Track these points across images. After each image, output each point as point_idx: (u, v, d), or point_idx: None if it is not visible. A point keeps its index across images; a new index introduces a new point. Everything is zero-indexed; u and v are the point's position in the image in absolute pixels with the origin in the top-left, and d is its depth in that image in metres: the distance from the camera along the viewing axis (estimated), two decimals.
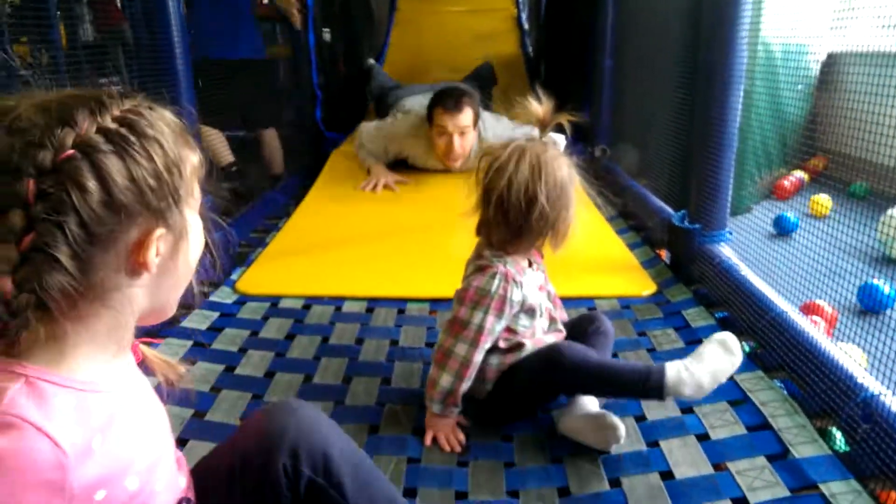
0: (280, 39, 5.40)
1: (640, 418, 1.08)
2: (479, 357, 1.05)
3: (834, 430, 0.98)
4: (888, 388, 0.96)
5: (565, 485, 0.95)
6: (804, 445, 0.94)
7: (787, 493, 0.87)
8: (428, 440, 1.05)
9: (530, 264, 1.11)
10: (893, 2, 1.81)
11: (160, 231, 0.56)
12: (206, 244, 0.64)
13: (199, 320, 1.43)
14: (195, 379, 1.20)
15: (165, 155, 0.56)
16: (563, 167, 1.03)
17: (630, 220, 2.14)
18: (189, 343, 1.33)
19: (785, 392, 1.09)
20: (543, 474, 0.98)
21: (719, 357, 0.96)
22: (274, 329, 1.43)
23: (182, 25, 1.52)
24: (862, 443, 0.89)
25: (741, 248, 1.69)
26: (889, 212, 2.15)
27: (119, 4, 2.17)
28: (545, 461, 1.01)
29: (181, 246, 0.59)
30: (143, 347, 0.65)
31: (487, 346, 1.06)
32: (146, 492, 0.57)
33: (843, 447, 0.94)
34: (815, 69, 3.19)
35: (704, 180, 1.60)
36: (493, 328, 1.05)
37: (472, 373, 1.05)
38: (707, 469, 0.94)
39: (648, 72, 2.37)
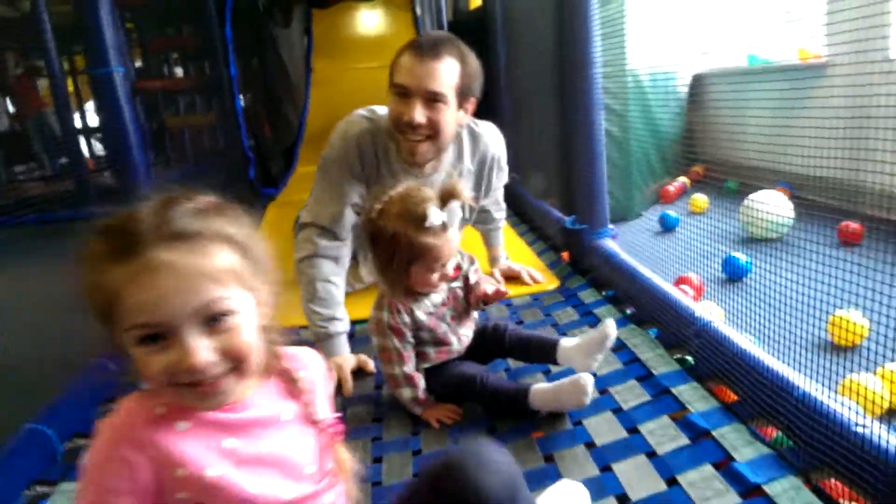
0: (199, 108, 5.63)
1: (589, 444, 1.14)
2: (411, 366, 1.27)
3: (688, 357, 1.32)
4: (716, 320, 1.31)
5: None
6: (745, 448, 1.01)
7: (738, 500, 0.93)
8: (433, 423, 1.25)
9: (430, 293, 1.28)
10: (747, 24, 2.25)
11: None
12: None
13: None
14: None
15: None
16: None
17: (537, 231, 2.49)
18: None
19: (653, 335, 1.44)
20: None
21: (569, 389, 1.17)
22: None
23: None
24: (696, 354, 1.23)
25: (633, 245, 2.05)
26: (746, 200, 2.58)
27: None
28: None
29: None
30: None
31: (410, 355, 1.27)
32: None
33: (690, 361, 1.28)
34: (684, 90, 3.71)
35: (585, 189, 1.96)
36: (404, 346, 1.26)
37: (418, 378, 1.27)
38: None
39: (535, 105, 2.76)
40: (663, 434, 1.11)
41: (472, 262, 1.36)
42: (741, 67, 3.57)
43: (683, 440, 1.08)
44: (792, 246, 2.36)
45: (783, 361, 1.12)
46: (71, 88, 7.18)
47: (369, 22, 5.72)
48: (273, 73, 4.08)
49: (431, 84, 1.43)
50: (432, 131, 1.49)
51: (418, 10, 5.74)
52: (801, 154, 2.08)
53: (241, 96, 3.11)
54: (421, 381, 1.28)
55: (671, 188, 3.48)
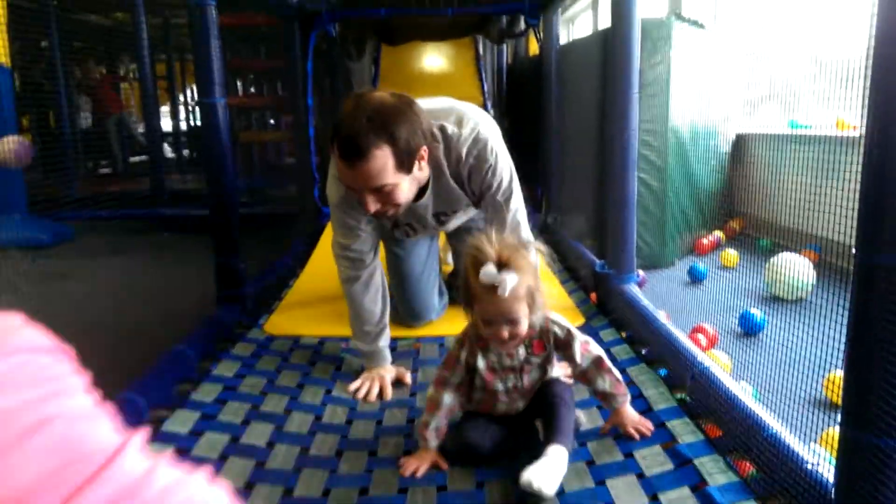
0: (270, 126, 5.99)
1: (590, 462, 1.30)
2: (447, 398, 1.31)
3: (686, 395, 1.50)
4: (713, 366, 1.49)
5: None
6: (718, 475, 1.18)
7: None
8: (406, 469, 1.28)
9: (503, 353, 1.32)
10: (789, 92, 2.43)
11: None
12: None
13: (242, 349, 1.91)
14: (248, 386, 1.67)
15: None
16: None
17: (571, 271, 2.69)
18: (243, 358, 1.81)
19: (662, 374, 1.62)
20: None
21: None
22: (298, 356, 1.92)
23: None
24: (691, 393, 1.42)
25: (659, 292, 2.24)
26: (771, 260, 2.73)
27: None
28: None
29: None
30: None
31: (447, 392, 1.32)
32: None
33: (687, 399, 1.46)
34: (726, 147, 3.87)
35: (615, 237, 2.16)
36: (451, 376, 1.32)
37: (437, 411, 1.31)
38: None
39: (578, 150, 2.96)
40: (653, 460, 1.29)
41: (566, 344, 1.34)
42: (782, 132, 3.71)
43: (669, 465, 1.26)
44: (810, 307, 2.51)
45: (778, 413, 1.28)
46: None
47: (433, 58, 6.06)
48: (341, 98, 4.38)
49: (369, 184, 1.41)
50: (393, 206, 1.50)
51: (481, 50, 6.05)
52: (830, 220, 2.24)
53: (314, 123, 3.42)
54: (440, 420, 1.32)
55: (705, 241, 3.63)
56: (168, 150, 8.37)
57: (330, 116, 4.23)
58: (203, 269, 2.33)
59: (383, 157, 1.38)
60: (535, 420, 1.36)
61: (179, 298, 2.62)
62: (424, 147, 1.49)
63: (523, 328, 1.25)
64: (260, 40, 4.96)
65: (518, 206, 1.73)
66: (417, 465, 1.30)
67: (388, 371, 1.72)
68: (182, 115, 9.46)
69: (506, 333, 1.24)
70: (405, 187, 1.48)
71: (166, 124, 8.47)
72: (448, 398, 1.33)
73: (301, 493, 1.26)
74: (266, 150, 6.71)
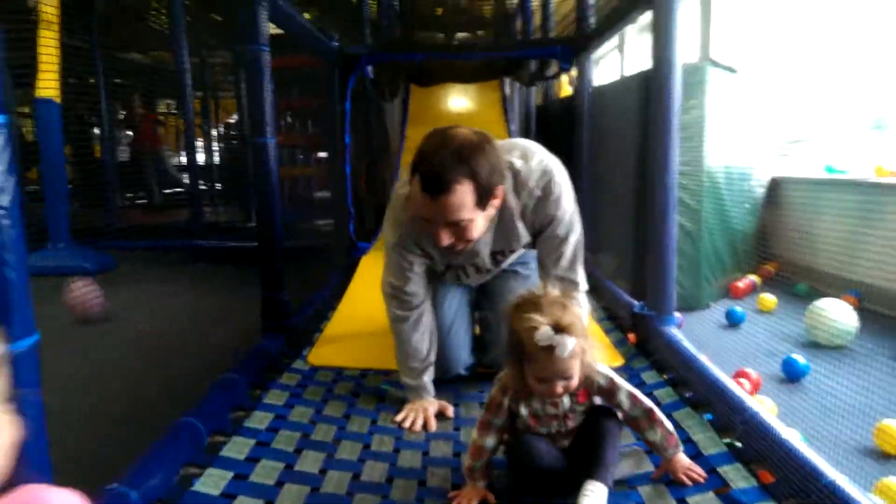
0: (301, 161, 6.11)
1: None
2: (489, 442, 1.33)
3: (737, 442, 1.50)
4: (763, 411, 1.48)
5: None
6: None
7: None
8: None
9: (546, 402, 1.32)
10: (827, 138, 2.44)
11: None
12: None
13: (289, 379, 1.94)
14: (298, 414, 1.70)
15: None
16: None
17: (607, 310, 2.69)
18: (290, 388, 1.84)
19: (707, 419, 1.61)
20: None
21: None
22: (342, 388, 1.94)
23: None
24: (742, 438, 1.42)
25: (697, 335, 2.23)
26: (812, 305, 2.71)
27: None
28: None
29: None
30: None
31: (490, 436, 1.33)
32: None
33: (737, 444, 1.45)
34: (761, 191, 3.88)
35: (655, 279, 2.17)
36: (489, 421, 1.34)
37: (481, 457, 1.33)
38: None
39: (612, 192, 2.98)
40: None
41: (609, 392, 1.35)
42: (818, 176, 3.71)
43: None
44: (852, 354, 2.48)
45: (828, 461, 1.27)
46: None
47: (460, 99, 6.18)
48: (378, 139, 4.49)
49: (447, 217, 1.44)
50: (464, 241, 1.52)
51: (507, 90, 6.16)
52: (871, 266, 2.22)
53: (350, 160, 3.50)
54: (485, 458, 1.35)
55: (740, 284, 3.61)
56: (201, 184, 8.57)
57: (364, 154, 4.34)
58: (241, 298, 2.38)
59: (464, 193, 1.41)
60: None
61: (221, 327, 2.67)
62: (501, 186, 1.52)
63: (576, 382, 1.27)
64: (295, 81, 5.11)
65: (577, 243, 1.72)
66: (468, 499, 1.32)
67: (432, 403, 1.76)
68: (215, 149, 9.69)
69: (560, 390, 1.25)
70: (479, 224, 1.50)
71: (199, 158, 8.69)
72: (491, 442, 1.35)
73: None
74: (297, 184, 6.85)
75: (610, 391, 1.34)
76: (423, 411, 1.72)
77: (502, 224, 1.67)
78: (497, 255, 1.80)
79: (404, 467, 1.50)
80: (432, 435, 1.67)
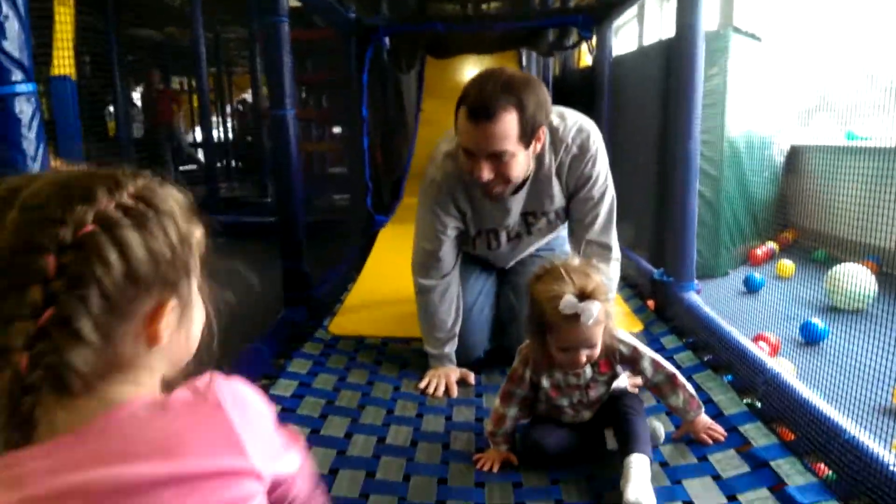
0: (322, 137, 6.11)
1: (664, 464, 1.33)
2: (504, 410, 1.36)
3: (755, 400, 1.51)
4: (783, 371, 1.50)
5: None
6: (796, 476, 1.19)
7: None
8: (481, 465, 1.34)
9: (568, 373, 1.32)
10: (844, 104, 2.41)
11: (172, 302, 0.57)
12: (207, 316, 0.64)
13: (312, 348, 1.98)
14: (322, 382, 1.74)
15: (177, 229, 0.57)
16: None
17: (626, 279, 2.70)
18: (313, 357, 1.88)
19: (727, 380, 1.63)
20: None
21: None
22: (364, 356, 1.98)
23: None
24: (763, 398, 1.43)
25: (716, 301, 2.24)
26: (831, 270, 2.70)
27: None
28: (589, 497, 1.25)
29: (187, 318, 0.60)
30: None
31: (511, 406, 1.36)
32: None
33: (757, 404, 1.47)
34: (781, 159, 3.84)
35: (675, 247, 2.17)
36: (511, 391, 1.36)
37: (503, 425, 1.35)
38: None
39: (632, 162, 2.97)
40: (728, 463, 1.30)
41: (632, 360, 1.34)
42: (839, 143, 3.67)
43: (745, 468, 1.27)
44: (871, 317, 2.48)
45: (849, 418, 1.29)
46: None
47: (476, 70, 6.11)
48: (394, 112, 4.48)
49: (492, 147, 1.44)
50: (503, 180, 1.52)
51: (524, 62, 6.10)
52: (890, 231, 2.21)
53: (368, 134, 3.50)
54: (507, 429, 1.37)
55: (759, 252, 3.59)
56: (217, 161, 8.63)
57: (381, 127, 4.33)
58: (262, 273, 2.41)
59: (510, 122, 1.42)
60: (605, 428, 1.37)
61: (243, 300, 2.72)
62: (544, 128, 1.52)
63: (598, 351, 1.27)
64: (312, 54, 5.09)
65: (611, 206, 1.72)
66: (492, 461, 1.35)
67: (454, 371, 1.79)
68: (229, 125, 9.73)
69: (584, 358, 1.25)
70: (520, 161, 1.50)
71: (215, 134, 8.74)
72: (513, 411, 1.37)
73: (382, 477, 1.33)
74: (312, 159, 6.88)
75: (633, 359, 1.34)
76: (446, 377, 1.75)
77: (537, 182, 1.66)
78: (528, 216, 1.75)
79: (428, 431, 1.53)
80: (454, 401, 1.70)
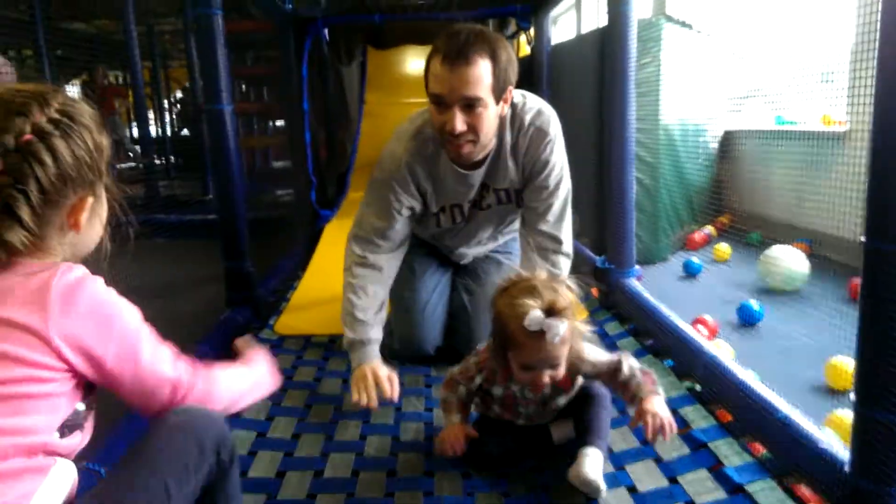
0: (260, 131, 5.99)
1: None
2: (453, 398, 1.34)
3: (694, 384, 1.56)
4: (720, 354, 1.55)
5: None
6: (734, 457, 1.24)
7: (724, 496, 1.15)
8: (444, 448, 1.30)
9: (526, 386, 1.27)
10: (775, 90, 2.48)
11: (90, 199, 0.75)
12: (111, 209, 0.81)
13: None
14: None
15: (93, 139, 0.73)
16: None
17: (572, 267, 2.74)
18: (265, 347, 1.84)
19: (668, 365, 1.68)
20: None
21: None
22: (312, 353, 1.95)
23: None
24: (702, 382, 1.48)
25: (656, 286, 2.28)
26: (765, 253, 2.81)
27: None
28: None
29: (97, 213, 0.78)
30: None
31: (458, 390, 1.34)
32: None
33: (697, 388, 1.52)
34: (715, 144, 3.95)
35: (615, 234, 2.21)
36: (457, 383, 1.34)
37: (453, 412, 1.33)
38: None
39: (575, 152, 3.00)
40: (669, 445, 1.34)
41: (608, 374, 1.28)
42: (769, 128, 3.80)
43: (685, 450, 1.32)
44: (804, 298, 2.59)
45: (783, 398, 1.33)
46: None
47: (420, 60, 6.07)
48: (336, 105, 4.42)
49: (466, 91, 1.43)
50: (475, 135, 1.49)
51: None
52: (820, 213, 2.30)
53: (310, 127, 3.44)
54: (461, 392, 1.34)
55: (697, 237, 3.70)
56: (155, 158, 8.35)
57: (323, 120, 4.27)
58: (204, 272, 2.33)
59: (485, 68, 1.43)
60: (550, 423, 1.35)
61: (185, 301, 2.64)
62: (511, 88, 1.52)
63: (563, 372, 1.20)
64: (249, 46, 4.96)
65: (566, 198, 1.70)
66: (453, 444, 1.30)
67: (377, 367, 1.56)
68: (167, 121, 9.42)
69: (546, 379, 1.17)
70: (491, 115, 1.49)
71: (152, 130, 8.45)
72: (462, 390, 1.34)
73: (330, 475, 1.32)
74: (254, 155, 6.71)
75: (608, 373, 1.27)
76: (373, 374, 1.54)
77: (496, 159, 1.64)
78: (482, 188, 1.70)
79: (377, 424, 1.53)
80: (405, 391, 1.65)
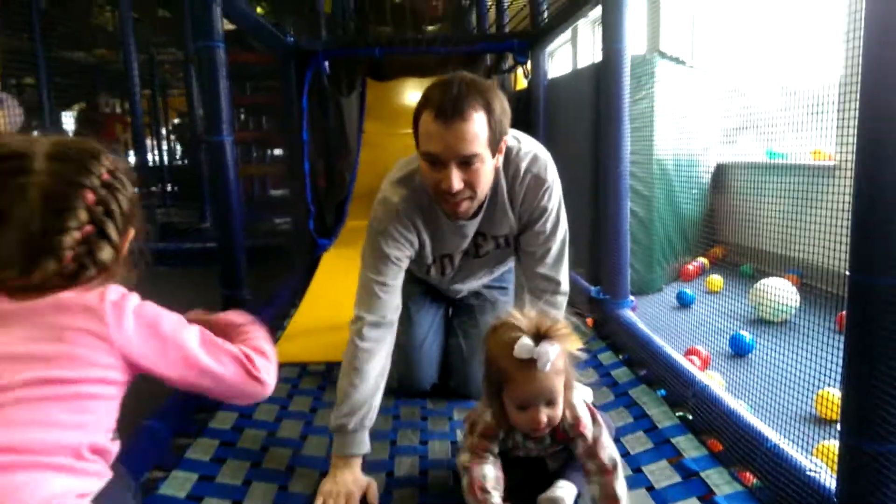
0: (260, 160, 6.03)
1: None
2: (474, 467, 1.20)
3: (687, 413, 1.58)
4: (711, 384, 1.57)
5: None
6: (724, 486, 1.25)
7: None
8: None
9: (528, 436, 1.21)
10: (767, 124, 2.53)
11: (132, 230, 0.91)
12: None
13: None
14: (264, 412, 1.72)
15: (131, 183, 0.90)
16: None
17: (568, 298, 2.76)
18: None
19: (661, 395, 1.69)
20: None
21: None
22: (308, 382, 1.97)
23: None
24: (694, 411, 1.49)
25: (650, 317, 2.32)
26: (756, 284, 2.84)
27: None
28: None
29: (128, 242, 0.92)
30: None
31: (483, 460, 1.21)
32: None
33: (689, 417, 1.53)
34: (707, 177, 4.01)
35: (610, 265, 2.25)
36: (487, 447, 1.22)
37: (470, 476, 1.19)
38: None
39: (570, 184, 3.05)
40: (661, 473, 1.36)
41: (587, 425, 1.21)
42: (759, 160, 3.86)
43: (677, 478, 1.33)
44: (794, 328, 2.61)
45: (772, 427, 1.35)
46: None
47: (417, 92, 6.16)
48: (335, 136, 4.47)
49: (462, 149, 1.33)
50: (472, 191, 1.41)
51: None
52: (809, 246, 2.33)
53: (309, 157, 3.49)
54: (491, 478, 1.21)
55: (690, 267, 3.74)
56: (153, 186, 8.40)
57: (323, 149, 4.32)
58: (201, 300, 2.35)
59: (480, 122, 1.34)
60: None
61: None
62: (506, 138, 1.45)
63: (560, 410, 1.14)
64: (249, 77, 5.06)
65: (564, 241, 1.64)
66: None
67: (356, 482, 1.36)
68: (165, 149, 9.50)
69: (545, 417, 1.12)
70: (488, 170, 1.40)
71: (150, 159, 8.51)
72: (490, 470, 1.21)
73: None
74: (253, 183, 6.78)
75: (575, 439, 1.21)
76: (346, 496, 1.32)
77: (491, 206, 1.57)
78: (478, 237, 1.65)
79: (372, 459, 1.47)
80: (399, 424, 1.69)
